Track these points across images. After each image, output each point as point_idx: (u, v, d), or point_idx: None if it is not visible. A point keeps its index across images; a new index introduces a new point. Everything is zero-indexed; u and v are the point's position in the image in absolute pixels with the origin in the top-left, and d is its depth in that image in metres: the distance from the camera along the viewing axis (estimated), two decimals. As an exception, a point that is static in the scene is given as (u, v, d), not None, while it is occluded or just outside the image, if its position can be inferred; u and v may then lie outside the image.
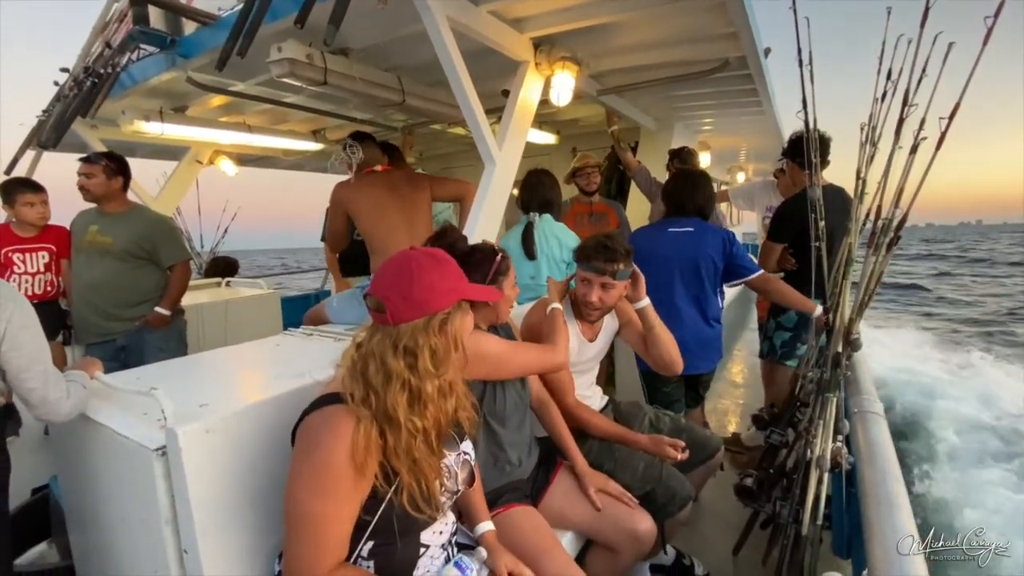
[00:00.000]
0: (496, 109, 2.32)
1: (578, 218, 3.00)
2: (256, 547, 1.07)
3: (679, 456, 1.59)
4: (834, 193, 2.41)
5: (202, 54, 2.18)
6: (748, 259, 2.13)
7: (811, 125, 1.54)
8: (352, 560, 0.93)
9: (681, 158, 2.96)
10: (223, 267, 4.60)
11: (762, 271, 2.12)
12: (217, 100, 2.98)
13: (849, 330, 1.47)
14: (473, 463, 1.11)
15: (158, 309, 2.52)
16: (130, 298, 2.47)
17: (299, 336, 1.96)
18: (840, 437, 1.48)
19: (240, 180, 3.46)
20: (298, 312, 3.16)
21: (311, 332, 1.99)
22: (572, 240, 2.34)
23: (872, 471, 0.89)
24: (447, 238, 1.40)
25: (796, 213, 2.44)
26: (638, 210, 3.53)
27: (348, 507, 0.88)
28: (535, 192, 2.34)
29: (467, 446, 1.10)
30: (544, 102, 2.33)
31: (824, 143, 2.47)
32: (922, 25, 1.22)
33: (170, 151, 3.81)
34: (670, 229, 2.12)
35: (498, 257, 1.37)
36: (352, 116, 3.32)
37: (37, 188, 2.55)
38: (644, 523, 1.39)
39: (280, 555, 1.05)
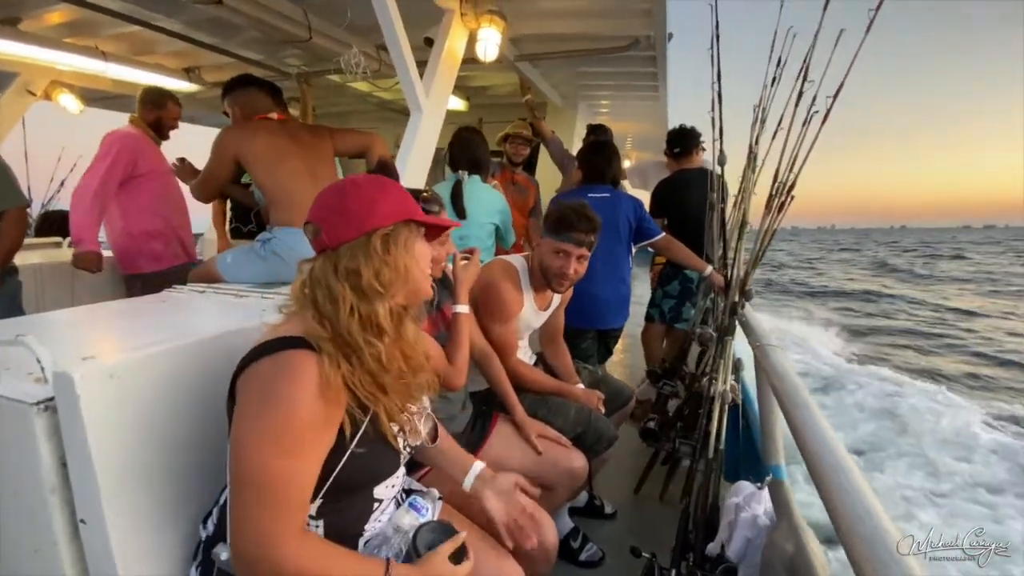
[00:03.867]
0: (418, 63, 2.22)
1: (502, 186, 3.01)
2: (175, 513, 0.93)
3: (602, 408, 1.72)
4: (702, 173, 2.80)
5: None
6: (654, 223, 2.33)
7: (719, 98, 1.71)
8: None
9: (597, 134, 3.12)
10: (58, 223, 3.79)
11: (665, 233, 2.34)
12: (62, 13, 2.42)
13: (745, 282, 1.68)
14: (436, 418, 1.07)
15: (-19, 264, 2.03)
16: (-59, 248, 1.96)
17: (188, 293, 1.71)
18: (732, 376, 1.70)
19: (82, 124, 2.81)
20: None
21: (203, 289, 1.76)
22: (499, 202, 2.33)
23: (782, 383, 1.03)
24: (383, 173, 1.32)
25: (665, 193, 2.89)
26: (548, 182, 3.63)
27: (316, 459, 0.79)
28: (466, 150, 2.27)
29: (426, 401, 1.06)
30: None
31: (692, 134, 2.88)
32: (822, 16, 1.41)
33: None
34: (590, 195, 2.22)
35: (424, 194, 1.34)
36: (237, 54, 2.92)
37: None
38: (579, 461, 1.48)
39: (205, 519, 0.93)
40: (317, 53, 2.48)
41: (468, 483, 1.10)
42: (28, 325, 1.25)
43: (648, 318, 3.06)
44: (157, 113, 2.52)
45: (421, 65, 2.01)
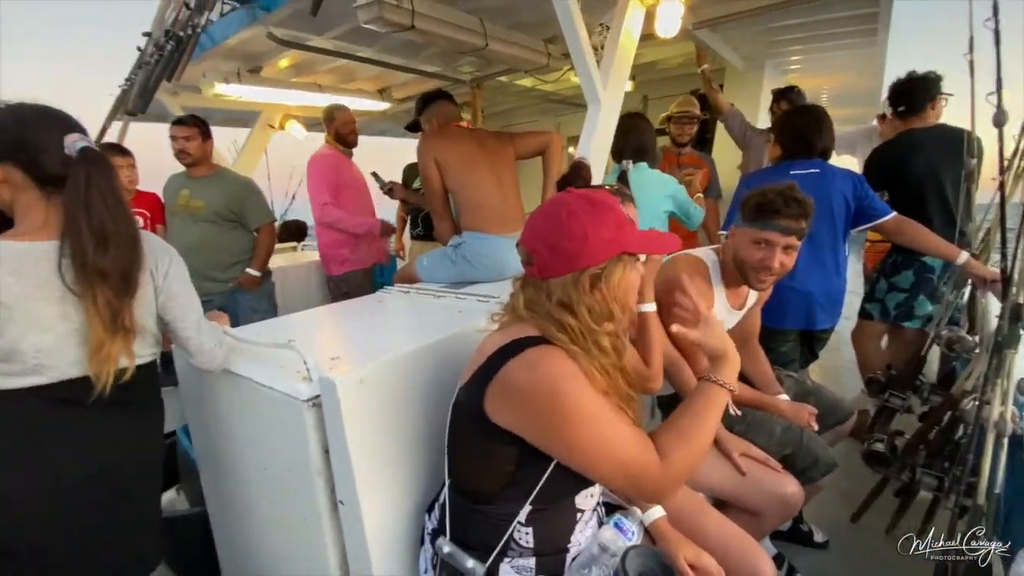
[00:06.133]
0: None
1: (667, 171, 2.81)
2: (407, 500, 1.05)
3: (815, 426, 1.48)
4: (941, 133, 2.17)
5: (284, 5, 2.11)
6: (880, 201, 1.91)
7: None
8: (510, 526, 0.88)
9: (790, 99, 2.67)
10: (293, 230, 4.68)
11: (895, 213, 1.90)
12: (288, 59, 2.93)
13: (1036, 277, 1.27)
14: None
15: (249, 270, 2.57)
16: (223, 260, 2.53)
17: (397, 294, 1.93)
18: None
19: (306, 146, 3.45)
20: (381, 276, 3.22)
21: (408, 290, 1.97)
22: (669, 185, 2.16)
23: None
24: (577, 177, 1.30)
25: (889, 159, 2.25)
26: (724, 161, 3.27)
27: (620, 413, 0.83)
28: (629, 137, 2.15)
29: None
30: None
31: (924, 86, 2.23)
32: None
33: (241, 117, 3.83)
34: (793, 171, 1.91)
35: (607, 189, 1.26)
36: (421, 69, 3.20)
37: (124, 152, 2.61)
38: (791, 486, 1.30)
39: (428, 509, 1.02)
40: (489, 58, 2.57)
41: (647, 520, 1.08)
42: (287, 327, 1.52)
43: (863, 314, 2.54)
44: (333, 126, 2.87)
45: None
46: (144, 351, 1.05)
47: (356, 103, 3.62)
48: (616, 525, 0.97)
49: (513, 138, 2.14)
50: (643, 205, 2.17)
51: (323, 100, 3.29)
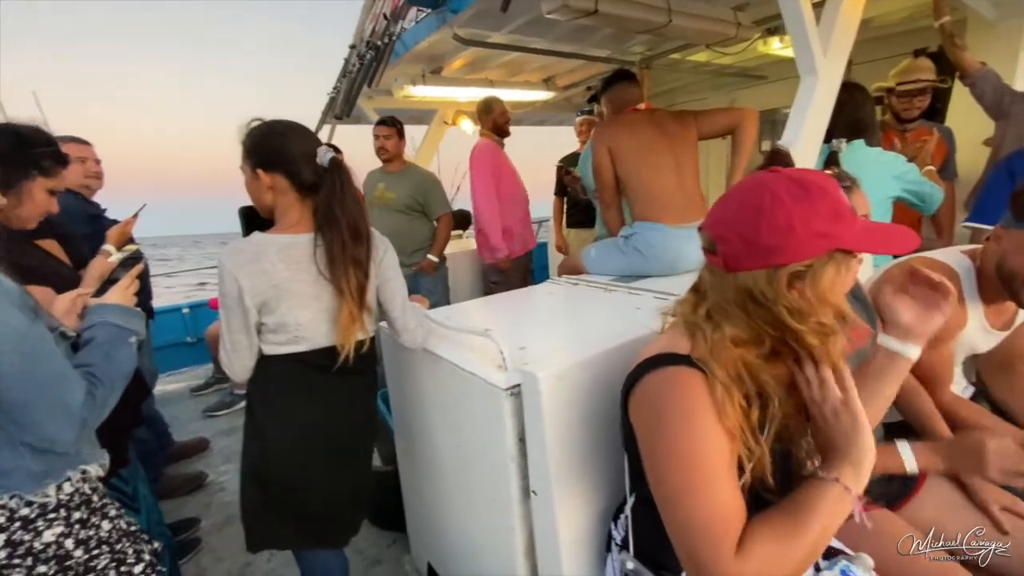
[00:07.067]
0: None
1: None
2: (595, 502, 1.03)
3: None
4: None
5: (470, 5, 2.22)
6: None
7: None
8: None
9: None
10: (460, 219, 5.02)
11: None
12: (463, 58, 3.10)
13: None
14: None
15: (429, 256, 2.82)
16: (409, 246, 2.81)
17: (566, 285, 1.93)
18: None
19: (466, 142, 3.67)
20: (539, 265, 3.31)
21: (576, 281, 1.95)
22: (895, 165, 1.79)
23: None
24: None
25: None
26: (962, 133, 2.62)
27: (723, 478, 0.69)
28: (843, 112, 1.81)
29: None
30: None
31: None
32: None
33: (418, 115, 4.19)
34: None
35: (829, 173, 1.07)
36: (590, 54, 3.14)
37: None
38: None
39: (615, 516, 0.99)
40: (669, 34, 2.40)
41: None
42: (470, 313, 1.61)
43: None
44: (490, 118, 2.95)
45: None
46: (371, 326, 1.22)
47: (521, 95, 3.72)
48: (844, 573, 0.84)
49: (697, 117, 1.97)
50: (863, 191, 1.84)
51: (492, 94, 3.43)
